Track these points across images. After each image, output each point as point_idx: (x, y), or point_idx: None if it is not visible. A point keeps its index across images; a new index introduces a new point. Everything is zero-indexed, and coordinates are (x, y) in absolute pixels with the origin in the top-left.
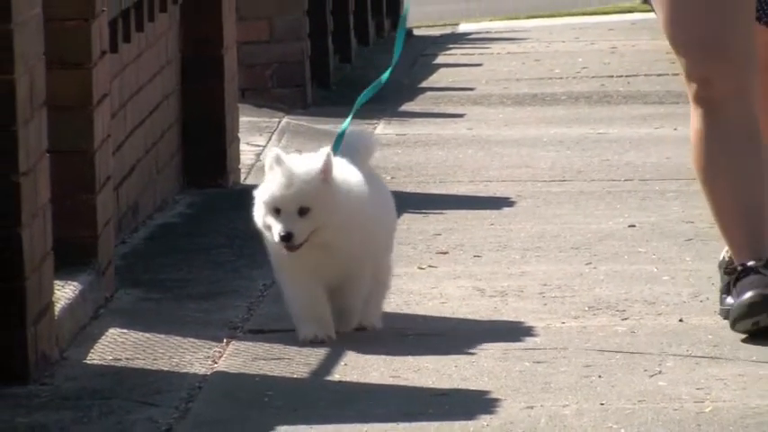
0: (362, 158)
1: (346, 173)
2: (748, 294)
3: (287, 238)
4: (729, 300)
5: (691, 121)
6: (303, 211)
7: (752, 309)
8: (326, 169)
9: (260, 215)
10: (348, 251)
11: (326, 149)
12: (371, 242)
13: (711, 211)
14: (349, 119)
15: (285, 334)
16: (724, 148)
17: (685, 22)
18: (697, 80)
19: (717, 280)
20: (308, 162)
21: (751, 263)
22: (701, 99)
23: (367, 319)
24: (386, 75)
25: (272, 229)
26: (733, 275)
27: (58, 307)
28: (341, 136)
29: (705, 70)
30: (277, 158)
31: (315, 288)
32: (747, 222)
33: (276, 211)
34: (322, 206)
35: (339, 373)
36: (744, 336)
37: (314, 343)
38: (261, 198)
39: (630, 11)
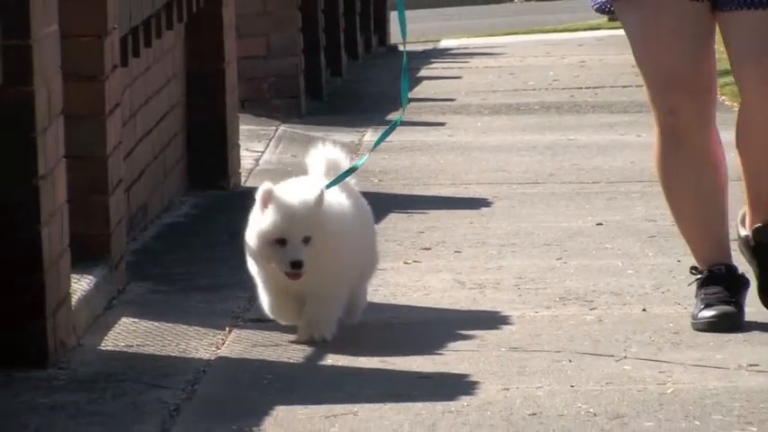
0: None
1: (337, 199)
2: (711, 313)
3: (299, 265)
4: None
5: (654, 141)
6: (306, 240)
7: (712, 327)
8: (321, 200)
9: (259, 247)
10: (331, 272)
11: (320, 184)
12: (354, 261)
13: (677, 223)
14: (365, 158)
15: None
16: (686, 169)
17: (653, 56)
18: (663, 110)
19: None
20: (303, 193)
21: (716, 268)
22: (665, 125)
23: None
24: (399, 118)
25: (278, 260)
26: (698, 278)
27: (74, 298)
28: (350, 170)
29: (671, 102)
30: (271, 193)
31: (289, 304)
32: (710, 231)
33: (280, 242)
34: (322, 234)
35: (331, 359)
36: None
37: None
38: (262, 230)
39: (598, 28)
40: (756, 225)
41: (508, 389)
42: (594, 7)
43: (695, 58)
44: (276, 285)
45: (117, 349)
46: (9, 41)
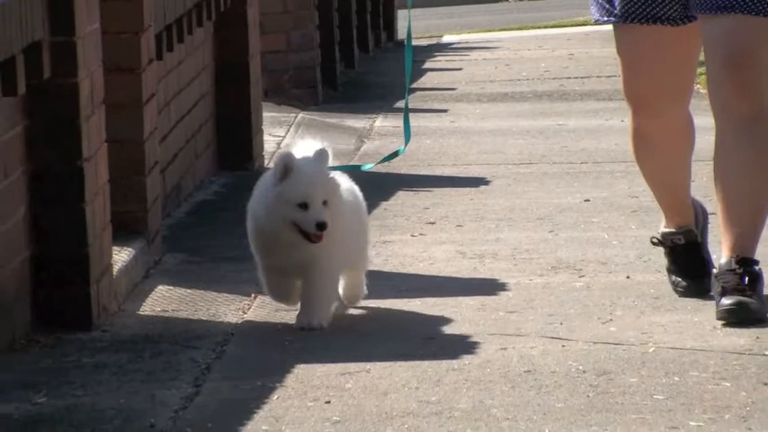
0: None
1: (343, 180)
2: (686, 283)
3: (323, 225)
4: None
5: (629, 122)
6: (325, 204)
7: (686, 294)
8: (329, 165)
9: (280, 212)
10: (332, 244)
11: (325, 149)
12: (350, 239)
13: (650, 188)
14: (372, 164)
15: None
16: (653, 156)
17: (628, 79)
18: (635, 121)
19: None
20: (315, 160)
21: (677, 237)
22: (637, 133)
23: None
24: (402, 149)
25: (303, 222)
26: (666, 245)
27: (115, 268)
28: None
29: (644, 112)
30: (290, 160)
31: (286, 281)
32: (672, 199)
33: (303, 205)
34: (334, 199)
35: (346, 322)
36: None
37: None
38: (285, 195)
39: (585, 24)
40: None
41: (505, 348)
42: (594, 20)
43: (669, 80)
44: (276, 261)
45: (154, 314)
46: (56, 38)
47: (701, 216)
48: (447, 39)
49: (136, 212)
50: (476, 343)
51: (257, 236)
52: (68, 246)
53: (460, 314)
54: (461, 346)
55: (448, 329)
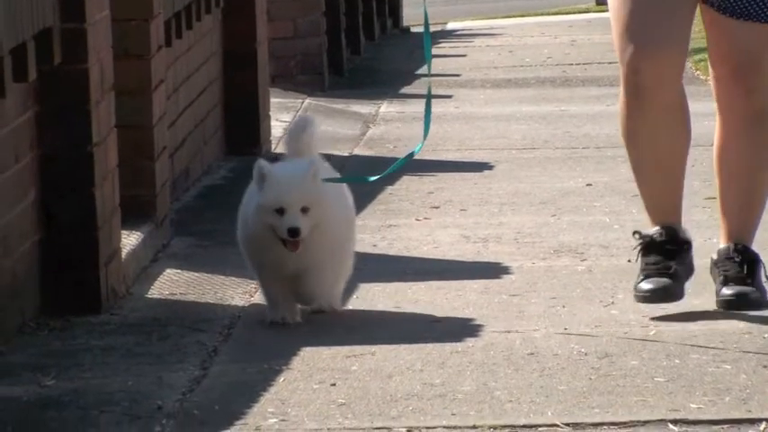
0: (305, 145)
1: (335, 186)
2: (648, 286)
3: (296, 232)
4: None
5: (619, 98)
6: (305, 210)
7: (647, 300)
8: (316, 172)
9: (260, 218)
10: (323, 244)
11: (314, 157)
12: (340, 235)
13: (634, 177)
14: (377, 176)
15: None
16: (648, 126)
17: (623, 16)
18: (627, 66)
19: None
20: (298, 166)
21: (655, 232)
22: (629, 83)
23: (328, 302)
24: (418, 148)
25: (278, 228)
26: (639, 243)
27: (124, 252)
28: (408, 157)
29: (636, 59)
30: (265, 168)
31: (283, 281)
32: (662, 192)
33: (280, 211)
34: (318, 205)
35: (352, 305)
36: (698, 274)
37: (281, 324)
38: (262, 201)
39: (587, 11)
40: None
41: (509, 331)
42: None
43: (663, 18)
44: (271, 270)
45: (162, 297)
46: (67, 25)
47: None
48: (451, 26)
49: (144, 197)
50: (479, 326)
51: (248, 243)
52: (78, 230)
53: (464, 297)
54: (465, 328)
55: (452, 312)
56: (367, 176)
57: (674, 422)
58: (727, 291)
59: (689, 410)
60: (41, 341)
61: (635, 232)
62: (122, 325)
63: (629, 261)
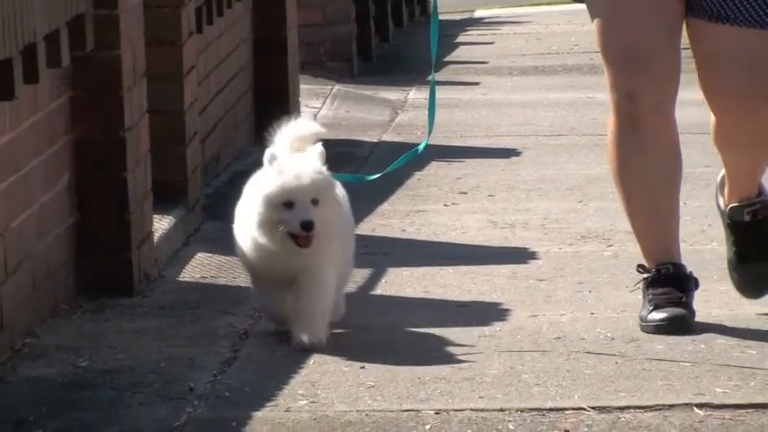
0: (299, 144)
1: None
2: (661, 315)
3: (309, 225)
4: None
5: (609, 128)
6: (315, 203)
7: (661, 331)
8: (323, 161)
9: (265, 212)
10: (329, 242)
11: (318, 147)
12: (346, 232)
13: (627, 216)
14: (384, 171)
15: None
16: (641, 155)
17: (617, 33)
18: (620, 93)
19: (682, 215)
20: (307, 158)
21: (662, 267)
22: (622, 111)
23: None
24: (422, 145)
25: (288, 222)
26: (645, 277)
27: (156, 236)
28: (411, 153)
29: (630, 85)
30: (274, 157)
31: (280, 291)
32: (659, 227)
33: (288, 204)
34: (328, 198)
35: (381, 289)
36: (722, 259)
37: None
38: (268, 193)
39: None
40: (732, 204)
41: (536, 316)
42: None
43: (660, 38)
44: (267, 270)
45: (193, 280)
46: (99, 11)
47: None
48: (479, 13)
49: (176, 181)
50: (507, 310)
51: (248, 241)
52: (111, 213)
53: (492, 282)
54: (493, 313)
55: (480, 297)
56: (366, 175)
57: (700, 406)
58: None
59: (714, 395)
60: (75, 323)
61: (639, 266)
62: (154, 307)
63: (628, 288)
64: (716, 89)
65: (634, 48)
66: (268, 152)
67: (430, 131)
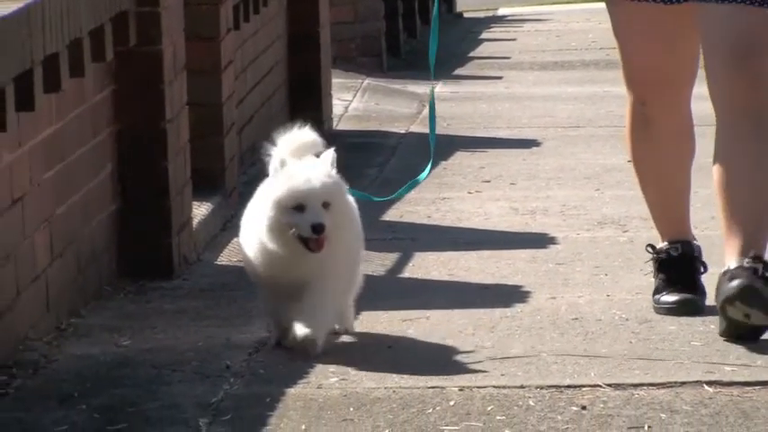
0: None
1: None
2: (673, 298)
3: (320, 228)
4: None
5: (626, 122)
6: (326, 206)
7: (672, 313)
8: (334, 165)
9: (275, 216)
10: (339, 248)
11: (330, 151)
12: (356, 238)
13: (643, 194)
14: (386, 197)
15: (366, 243)
16: (655, 153)
17: (625, 53)
18: (633, 97)
19: (695, 202)
20: (318, 163)
21: (671, 248)
22: (636, 113)
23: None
24: (424, 174)
25: (299, 225)
26: (654, 257)
27: (195, 221)
28: (413, 183)
29: (640, 94)
30: (283, 162)
31: (285, 298)
32: (670, 210)
33: (298, 207)
34: (339, 202)
35: (408, 272)
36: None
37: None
38: (278, 197)
39: None
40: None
41: (555, 298)
42: None
43: (664, 59)
44: (276, 279)
45: (230, 264)
46: (142, 8)
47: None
48: (502, 11)
49: (214, 170)
50: (527, 292)
51: (257, 248)
52: (152, 200)
53: (513, 266)
54: (514, 295)
55: (501, 280)
56: (373, 195)
57: (710, 383)
58: (734, 283)
59: (723, 373)
60: (118, 304)
61: (648, 245)
62: (193, 290)
63: (642, 272)
64: (710, 49)
65: (642, 65)
66: (277, 157)
67: (431, 156)
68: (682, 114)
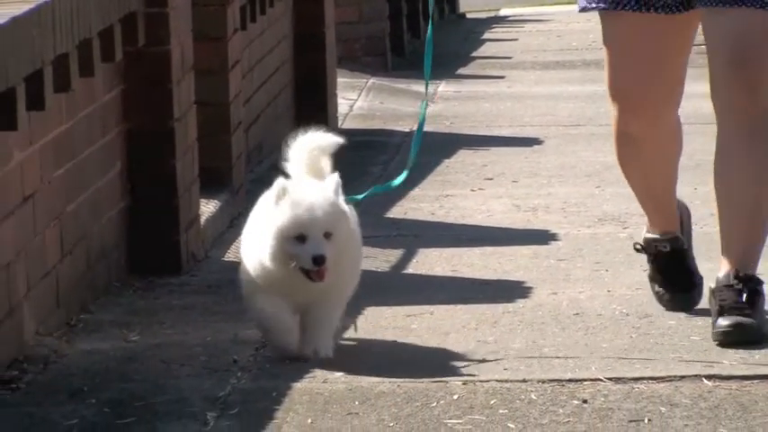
0: (312, 159)
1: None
2: (669, 295)
3: (321, 260)
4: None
5: (612, 128)
6: (328, 236)
7: (670, 308)
8: (339, 193)
9: (277, 245)
10: (339, 276)
11: (335, 176)
12: (355, 267)
13: (634, 192)
14: (363, 195)
15: (371, 239)
16: (641, 165)
17: (613, 74)
18: (618, 119)
19: (693, 199)
20: (320, 188)
21: (660, 245)
22: (621, 134)
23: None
24: (399, 179)
25: (299, 256)
26: (649, 252)
27: (202, 219)
28: (386, 187)
29: (626, 119)
30: (284, 190)
31: (286, 309)
32: (656, 206)
33: (300, 238)
34: (341, 231)
35: (412, 268)
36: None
37: (292, 356)
38: (279, 226)
39: None
40: None
41: (556, 293)
42: (579, 8)
43: (650, 82)
44: (279, 291)
45: (237, 260)
46: (150, 9)
47: (686, 220)
48: (504, 12)
49: (221, 168)
50: (529, 288)
51: (260, 269)
52: (160, 198)
53: (515, 262)
54: (516, 290)
55: (504, 276)
56: (355, 196)
57: (708, 377)
58: (723, 321)
59: (722, 367)
60: (127, 300)
61: (635, 244)
62: (201, 286)
63: (642, 268)
64: (712, 51)
65: (626, 85)
66: (279, 184)
67: (410, 164)
68: (667, 126)
